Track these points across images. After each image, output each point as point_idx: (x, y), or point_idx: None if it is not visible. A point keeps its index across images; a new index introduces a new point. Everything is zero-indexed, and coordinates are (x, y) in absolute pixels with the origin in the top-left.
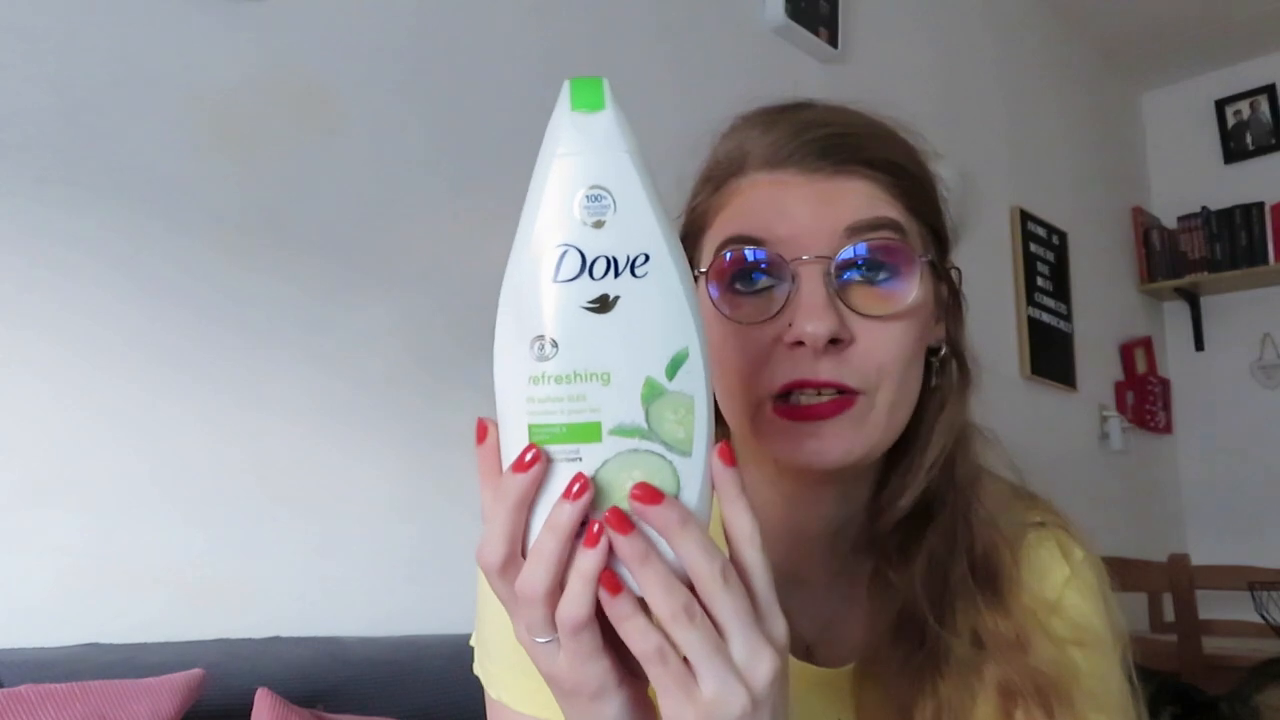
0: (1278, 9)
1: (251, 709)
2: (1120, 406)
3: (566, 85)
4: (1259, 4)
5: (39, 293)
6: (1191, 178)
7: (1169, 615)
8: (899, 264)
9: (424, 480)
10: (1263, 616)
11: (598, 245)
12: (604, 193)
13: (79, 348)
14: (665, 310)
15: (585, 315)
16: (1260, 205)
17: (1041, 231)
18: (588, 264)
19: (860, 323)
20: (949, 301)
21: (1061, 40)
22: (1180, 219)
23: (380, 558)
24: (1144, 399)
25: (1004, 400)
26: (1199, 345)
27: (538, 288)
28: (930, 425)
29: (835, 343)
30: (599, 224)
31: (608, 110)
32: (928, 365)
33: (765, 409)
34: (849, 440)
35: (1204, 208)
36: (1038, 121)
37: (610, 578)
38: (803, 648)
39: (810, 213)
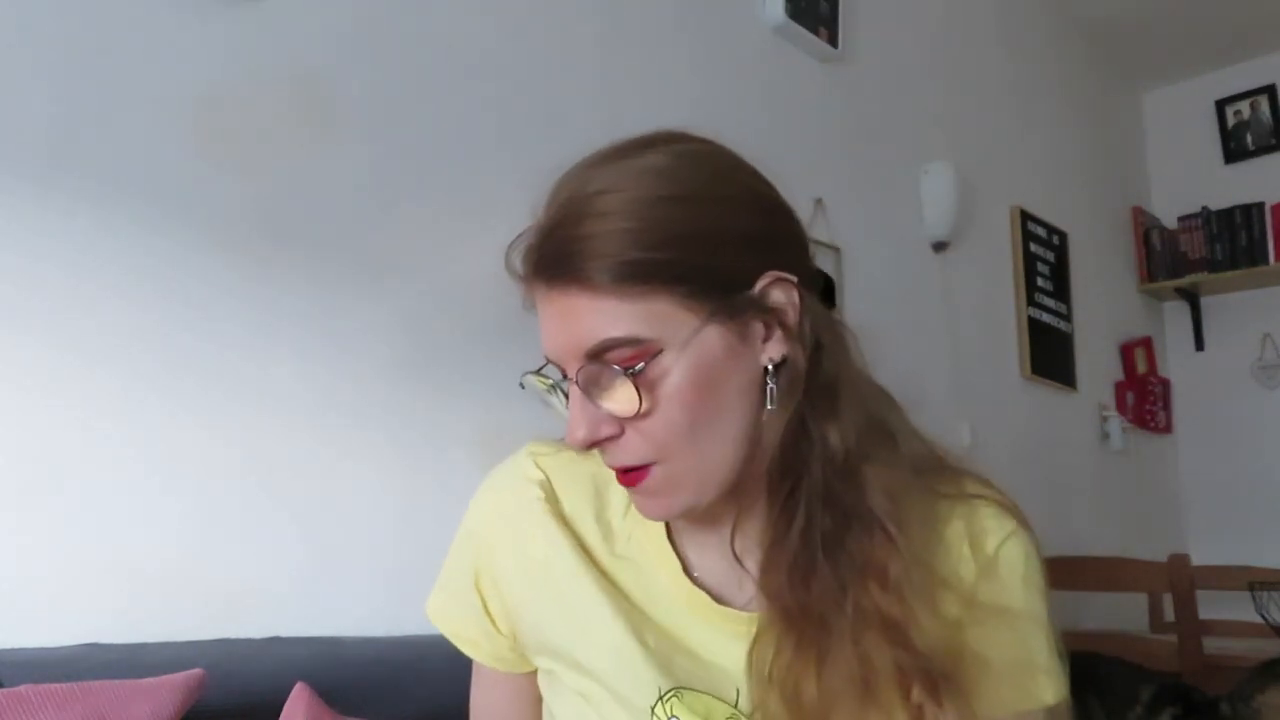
0: (1278, 9)
1: (251, 708)
2: (1120, 406)
3: None
4: (1259, 4)
5: (37, 292)
6: (1191, 178)
7: (1169, 615)
8: (638, 370)
9: (424, 479)
10: (1263, 616)
11: None
12: None
13: (80, 347)
14: None
15: None
16: (1260, 205)
17: (1041, 231)
18: None
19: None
20: (771, 317)
21: (1062, 40)
22: (1180, 219)
23: (380, 557)
24: (1144, 399)
25: (1004, 400)
26: (1199, 345)
27: None
28: (792, 435)
29: (609, 438)
30: None
31: None
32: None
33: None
34: (665, 500)
35: (1204, 208)
36: (1038, 121)
37: None
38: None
39: (557, 334)
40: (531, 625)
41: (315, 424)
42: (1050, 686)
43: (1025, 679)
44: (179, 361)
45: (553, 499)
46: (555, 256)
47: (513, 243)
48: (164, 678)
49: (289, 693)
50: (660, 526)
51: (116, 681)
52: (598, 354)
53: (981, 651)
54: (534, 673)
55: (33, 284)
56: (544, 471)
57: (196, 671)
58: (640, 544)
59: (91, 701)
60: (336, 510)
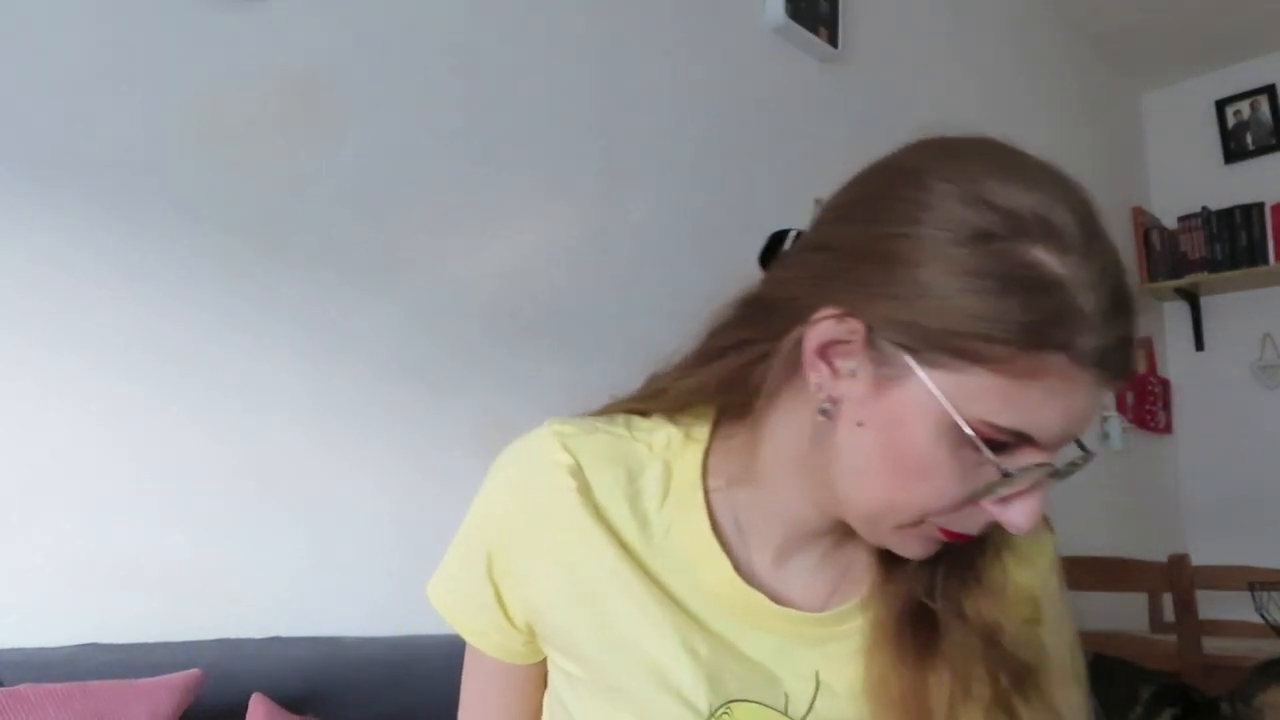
0: (1278, 9)
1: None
2: (1120, 406)
3: None
4: (1259, 4)
5: (37, 291)
6: (1191, 178)
7: (1169, 615)
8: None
9: (424, 479)
10: (1263, 616)
11: None
12: None
13: (80, 347)
14: None
15: None
16: (1260, 205)
17: None
18: None
19: None
20: None
21: (1061, 40)
22: (1180, 219)
23: (379, 557)
24: (1144, 399)
25: None
26: (1199, 345)
27: None
28: None
29: None
30: None
31: None
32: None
33: (926, 523)
34: None
35: (1204, 208)
36: (1038, 121)
37: None
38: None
39: (1078, 428)
40: (557, 628)
41: (315, 424)
42: (1080, 694)
43: (1070, 685)
44: (179, 361)
45: (585, 489)
46: (1132, 357)
47: (1107, 334)
48: (162, 678)
49: (289, 693)
50: (704, 520)
51: (115, 682)
52: None
53: (1050, 650)
54: (542, 662)
55: (33, 284)
56: (573, 455)
57: (194, 671)
58: (681, 538)
59: (90, 701)
60: (336, 510)
